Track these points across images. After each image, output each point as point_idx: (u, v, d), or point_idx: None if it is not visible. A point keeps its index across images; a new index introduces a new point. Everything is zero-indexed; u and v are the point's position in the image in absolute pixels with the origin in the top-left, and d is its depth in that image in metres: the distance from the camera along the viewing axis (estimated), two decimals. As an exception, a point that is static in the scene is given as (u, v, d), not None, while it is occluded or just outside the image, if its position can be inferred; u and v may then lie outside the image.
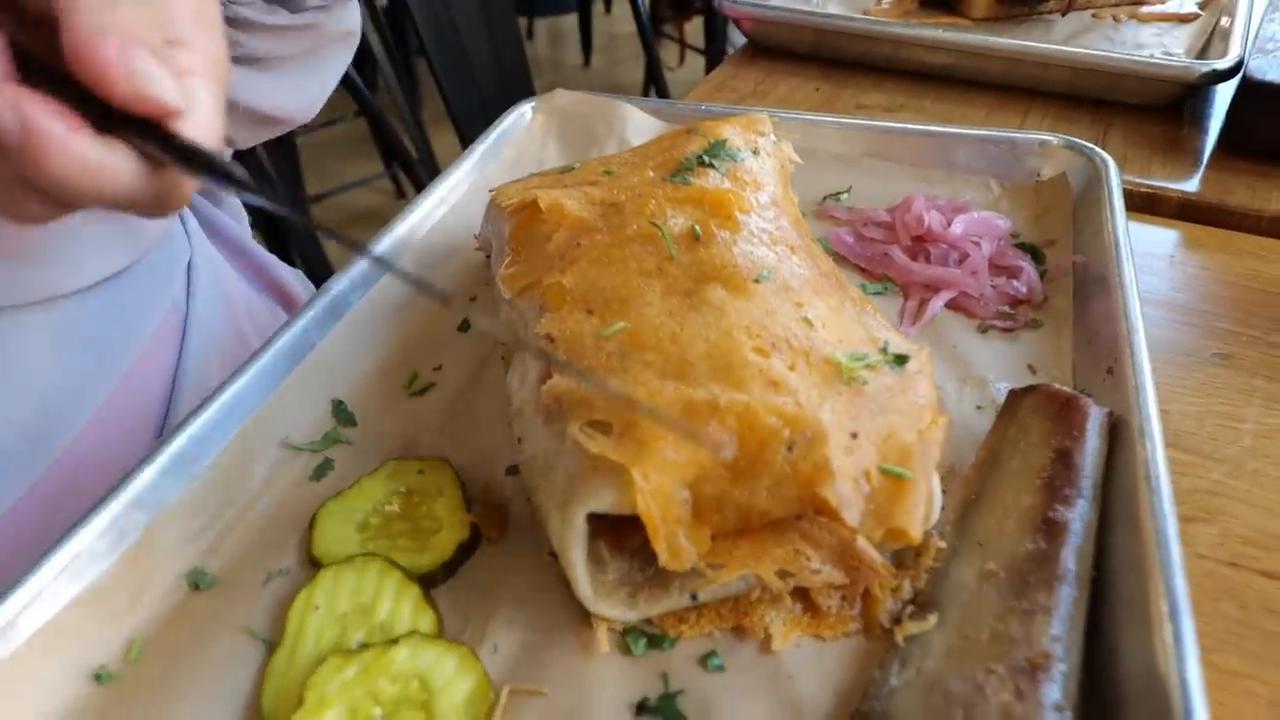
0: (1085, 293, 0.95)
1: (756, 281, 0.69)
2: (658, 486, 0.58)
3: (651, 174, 0.84)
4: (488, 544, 0.74)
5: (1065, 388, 0.76)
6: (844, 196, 1.18)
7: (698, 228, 0.73)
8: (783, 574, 0.63)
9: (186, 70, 0.41)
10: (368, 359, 0.94)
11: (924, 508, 0.62)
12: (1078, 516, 0.68)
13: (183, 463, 0.77)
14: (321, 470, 0.82)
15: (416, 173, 2.41)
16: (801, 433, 0.60)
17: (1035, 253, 1.03)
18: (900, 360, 0.69)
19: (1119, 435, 0.74)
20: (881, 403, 0.65)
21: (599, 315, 0.68)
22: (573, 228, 0.77)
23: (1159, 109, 1.36)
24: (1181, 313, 1.00)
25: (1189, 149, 1.28)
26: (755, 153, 0.91)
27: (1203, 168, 1.24)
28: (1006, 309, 0.96)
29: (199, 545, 0.75)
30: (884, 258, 1.05)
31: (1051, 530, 0.67)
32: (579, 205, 0.79)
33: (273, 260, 1.25)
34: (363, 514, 0.75)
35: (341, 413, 0.88)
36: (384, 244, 1.04)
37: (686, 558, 0.59)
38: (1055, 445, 0.73)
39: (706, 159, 0.86)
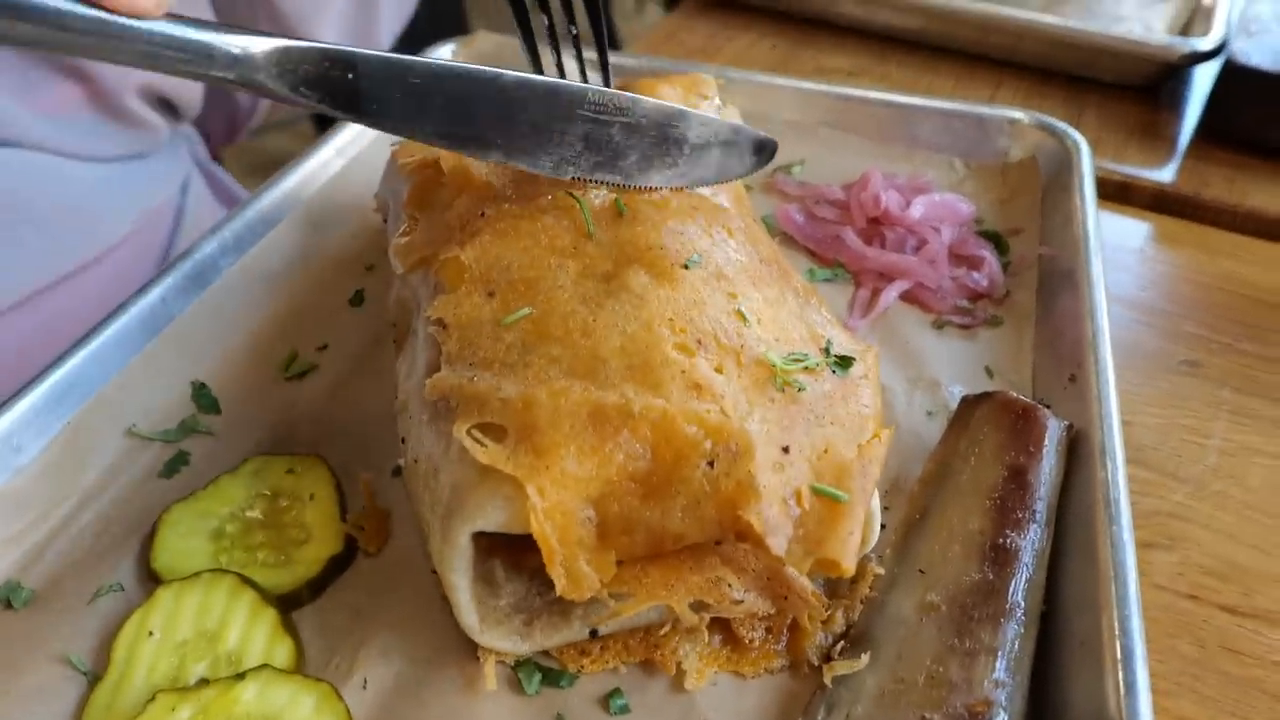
0: (1050, 287, 0.93)
1: (685, 267, 0.64)
2: (556, 504, 0.54)
3: None
4: (364, 558, 0.69)
5: (1023, 397, 0.74)
6: (796, 170, 1.13)
7: (621, 202, 0.68)
8: (699, 605, 0.59)
9: None
10: (238, 335, 0.87)
11: (859, 534, 0.58)
12: (1029, 544, 0.66)
13: (3, 451, 0.70)
14: (174, 465, 0.75)
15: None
16: (725, 445, 0.56)
17: (999, 242, 1.01)
18: (843, 363, 0.65)
19: (1078, 451, 0.72)
20: (819, 412, 0.61)
21: (501, 299, 0.63)
22: (477, 194, 0.71)
23: (1136, 89, 1.35)
24: (1149, 314, 0.99)
25: (1166, 134, 1.27)
26: None
27: (1179, 156, 1.23)
28: (965, 303, 0.93)
29: (16, 553, 0.67)
30: (836, 240, 1.01)
31: (1000, 558, 0.65)
32: (487, 169, 0.73)
33: None
34: (218, 520, 0.69)
35: (203, 397, 0.81)
36: (269, 198, 0.96)
37: (587, 586, 0.55)
38: (1009, 462, 0.70)
39: None
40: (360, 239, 1.00)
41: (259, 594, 0.62)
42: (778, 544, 0.55)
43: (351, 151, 1.07)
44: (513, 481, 0.54)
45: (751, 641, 0.63)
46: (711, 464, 0.55)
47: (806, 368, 0.63)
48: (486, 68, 0.61)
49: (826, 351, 0.66)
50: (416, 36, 1.32)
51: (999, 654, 0.60)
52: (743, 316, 0.63)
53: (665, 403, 0.56)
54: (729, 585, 0.59)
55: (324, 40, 0.58)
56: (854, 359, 0.66)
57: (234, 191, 1.26)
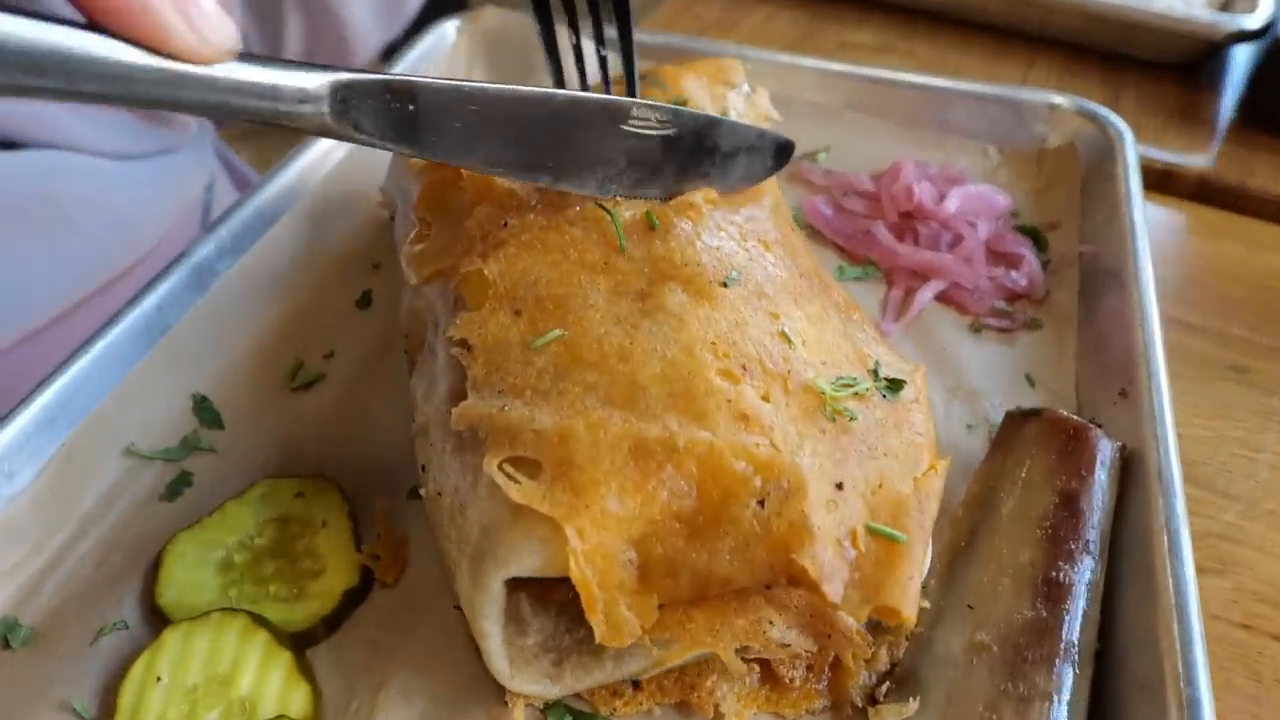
0: (1093, 288, 0.90)
1: (724, 285, 0.61)
2: (596, 546, 0.51)
3: None
4: (381, 588, 0.66)
5: (1071, 415, 0.71)
6: (822, 157, 1.09)
7: (653, 215, 0.64)
8: (742, 649, 0.56)
9: None
10: (240, 343, 0.83)
11: (919, 579, 0.56)
12: (1083, 577, 0.63)
13: (-6, 477, 0.67)
14: (176, 487, 0.72)
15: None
16: (776, 482, 0.53)
17: (1037, 237, 0.97)
18: (894, 386, 0.63)
19: (1132, 474, 0.69)
20: (871, 443, 0.58)
21: (529, 318, 0.60)
22: (499, 201, 0.67)
23: (1175, 67, 1.31)
24: (1194, 314, 0.96)
25: (1207, 118, 1.23)
26: (725, 114, 0.81)
27: (1221, 141, 1.19)
28: (1003, 304, 0.90)
29: (11, 587, 0.64)
30: (866, 236, 0.98)
31: (1053, 594, 0.62)
32: None
33: None
34: (225, 549, 0.66)
35: (205, 412, 0.78)
36: (268, 193, 0.92)
37: (628, 633, 0.52)
38: (1060, 487, 0.67)
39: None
40: (365, 234, 0.97)
41: (272, 634, 0.60)
42: (834, 590, 0.53)
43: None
44: (549, 522, 0.51)
45: (792, 681, 0.61)
46: (762, 503, 0.52)
47: (856, 393, 0.60)
48: (538, 89, 0.59)
49: (875, 374, 0.63)
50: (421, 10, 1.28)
51: (1055, 699, 0.57)
52: (787, 338, 0.60)
53: (711, 435, 0.53)
54: (773, 625, 0.57)
55: (354, 16, 0.55)
56: (904, 381, 0.63)
57: (253, 182, 1.24)
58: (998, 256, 0.95)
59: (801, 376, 0.58)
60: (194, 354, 0.80)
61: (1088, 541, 0.65)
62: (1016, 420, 0.74)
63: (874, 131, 1.11)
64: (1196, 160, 1.17)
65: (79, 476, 0.70)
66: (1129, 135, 1.01)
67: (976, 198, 0.99)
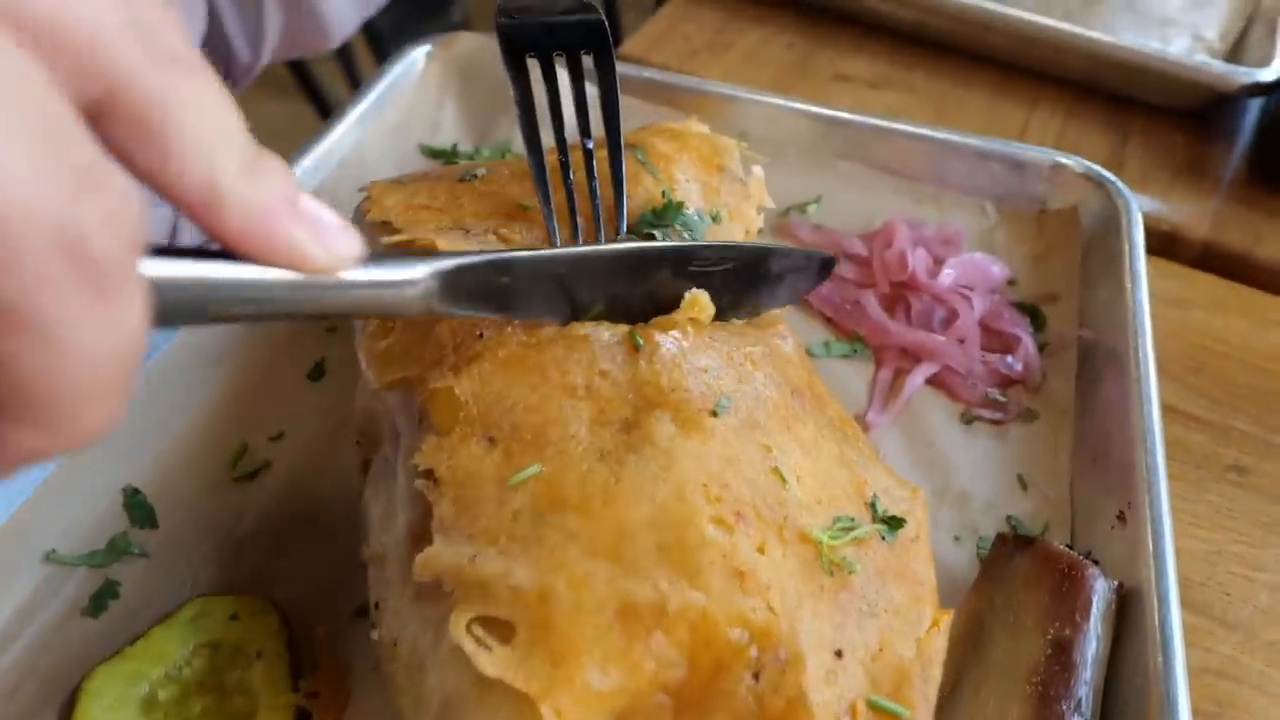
0: (1091, 374, 0.86)
1: (713, 414, 0.57)
2: None
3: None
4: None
5: (1065, 549, 0.67)
6: (811, 209, 1.04)
7: (637, 335, 0.60)
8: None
9: None
10: (177, 424, 0.78)
11: None
12: None
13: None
14: (101, 600, 0.67)
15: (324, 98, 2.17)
16: (772, 653, 0.49)
17: (1035, 315, 0.93)
18: (894, 525, 0.59)
19: (1128, 615, 0.66)
20: (871, 598, 0.55)
21: (504, 448, 0.55)
22: None
23: (1184, 115, 1.26)
24: (1196, 404, 0.92)
25: (1216, 174, 1.19)
26: (716, 219, 0.76)
27: (1225, 201, 1.15)
28: (996, 393, 0.86)
29: (-92, 728, 0.60)
30: (856, 308, 0.93)
31: None
32: None
33: None
34: (149, 684, 0.61)
35: (137, 508, 0.72)
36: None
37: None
38: (1053, 636, 0.64)
39: (660, 234, 0.71)
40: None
41: (198, 798, 0.56)
42: None
43: (310, 185, 0.96)
44: (521, 697, 0.47)
45: None
46: (757, 676, 0.49)
47: (855, 538, 0.56)
48: (614, 246, 0.62)
49: (874, 508, 0.60)
50: (398, 23, 1.23)
51: None
52: (781, 476, 0.56)
53: (705, 597, 0.49)
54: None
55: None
56: (904, 520, 0.59)
57: None
58: (992, 336, 0.91)
59: (797, 522, 0.54)
60: (125, 440, 0.75)
61: (1079, 700, 0.61)
62: (1008, 548, 0.70)
63: (867, 183, 1.06)
64: (1202, 222, 1.13)
65: (-11, 589, 0.65)
66: (1135, 206, 0.96)
67: (972, 267, 0.95)
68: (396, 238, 0.70)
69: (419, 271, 0.51)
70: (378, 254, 0.49)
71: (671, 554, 0.50)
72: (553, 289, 0.59)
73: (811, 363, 0.72)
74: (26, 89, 0.28)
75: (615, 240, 0.72)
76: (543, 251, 0.60)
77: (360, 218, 0.81)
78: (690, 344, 0.61)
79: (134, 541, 0.70)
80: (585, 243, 0.70)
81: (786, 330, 0.71)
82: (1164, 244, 1.09)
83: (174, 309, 0.40)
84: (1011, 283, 0.97)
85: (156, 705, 0.61)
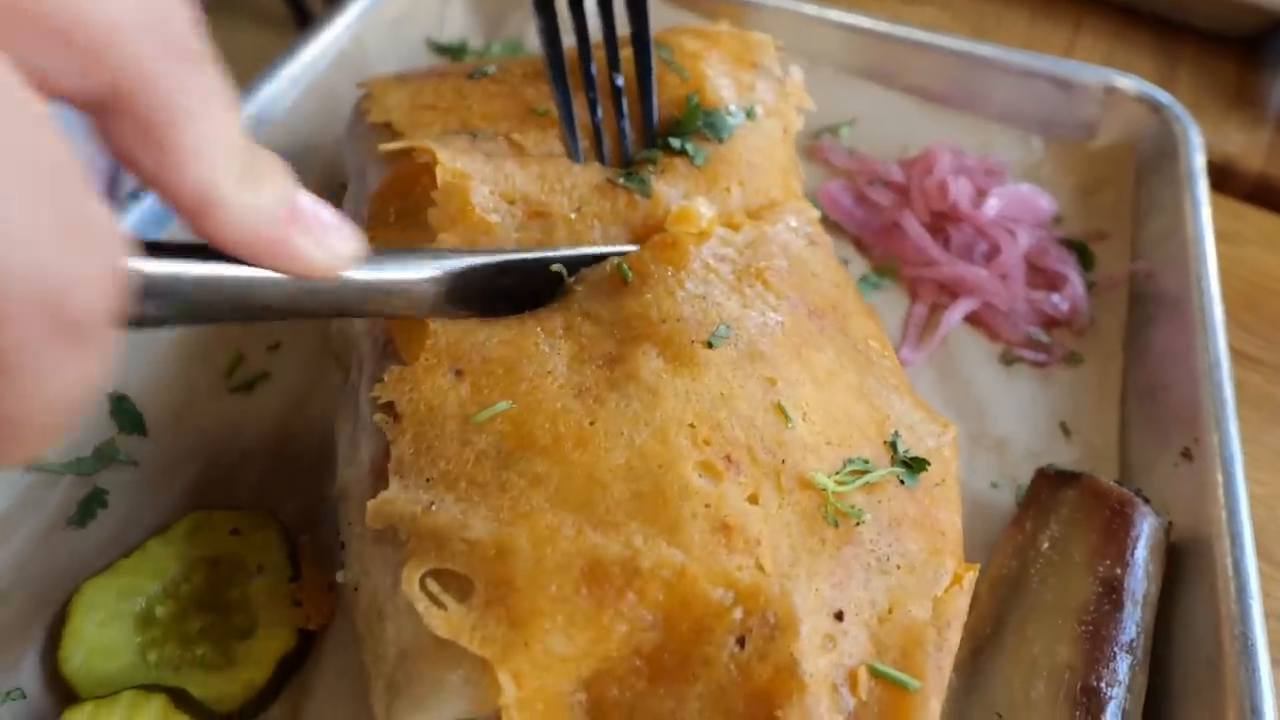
0: (1146, 316, 0.81)
1: (708, 345, 0.52)
2: (537, 691, 0.43)
3: (599, 171, 0.64)
4: (332, 646, 0.59)
5: (1114, 484, 0.63)
6: (845, 132, 0.99)
7: (626, 267, 0.55)
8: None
9: None
10: (168, 330, 0.73)
11: None
12: (1125, 684, 0.56)
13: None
14: (88, 508, 0.63)
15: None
16: (761, 616, 0.45)
17: (1084, 253, 0.88)
18: (915, 467, 0.54)
19: (1196, 562, 0.61)
20: (882, 552, 0.49)
21: (473, 383, 0.50)
22: (473, 229, 0.58)
23: (1237, 41, 1.20)
24: (1252, 343, 0.86)
25: (1270, 103, 1.13)
26: (750, 114, 0.71)
27: (1275, 131, 1.10)
28: (1040, 333, 0.82)
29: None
30: (892, 230, 0.88)
31: (1093, 706, 0.55)
32: (490, 198, 0.59)
33: None
34: (145, 600, 0.58)
35: (125, 414, 0.68)
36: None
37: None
38: (1103, 574, 0.60)
39: (678, 142, 0.66)
40: (322, 187, 0.85)
41: (195, 718, 0.53)
42: None
43: (308, 78, 0.90)
44: (480, 663, 0.43)
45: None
46: (741, 641, 0.44)
47: (867, 484, 0.51)
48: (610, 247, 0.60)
49: (894, 448, 0.55)
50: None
51: None
52: (784, 413, 0.51)
53: (684, 554, 0.45)
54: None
55: None
56: (928, 462, 0.55)
57: None
58: (1037, 274, 0.86)
59: (799, 467, 0.49)
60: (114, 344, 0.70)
61: (1131, 641, 0.57)
62: (1051, 482, 0.66)
63: (905, 107, 1.00)
64: (1256, 154, 1.07)
65: (-31, 497, 0.62)
66: (1195, 132, 0.89)
67: (1018, 200, 0.90)
68: (396, 144, 0.65)
69: (425, 273, 0.50)
70: (384, 253, 0.48)
71: (648, 505, 0.45)
72: (544, 291, 0.57)
73: (845, 273, 0.66)
74: (25, 126, 0.28)
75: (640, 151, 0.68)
76: (545, 252, 0.57)
77: (360, 118, 0.75)
78: (689, 268, 0.56)
79: (122, 449, 0.66)
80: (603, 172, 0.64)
81: (819, 233, 0.66)
82: (1216, 177, 1.02)
83: (172, 309, 0.39)
84: (1058, 219, 0.92)
85: (154, 622, 0.58)
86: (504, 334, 0.52)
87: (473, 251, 0.53)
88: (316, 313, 0.45)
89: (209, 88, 0.35)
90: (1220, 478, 0.63)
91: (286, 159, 0.85)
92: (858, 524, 0.49)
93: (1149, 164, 0.92)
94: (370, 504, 0.47)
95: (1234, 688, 0.54)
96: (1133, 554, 0.61)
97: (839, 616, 0.47)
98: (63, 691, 0.55)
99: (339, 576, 0.55)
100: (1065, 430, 0.75)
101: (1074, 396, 0.78)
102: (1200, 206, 0.83)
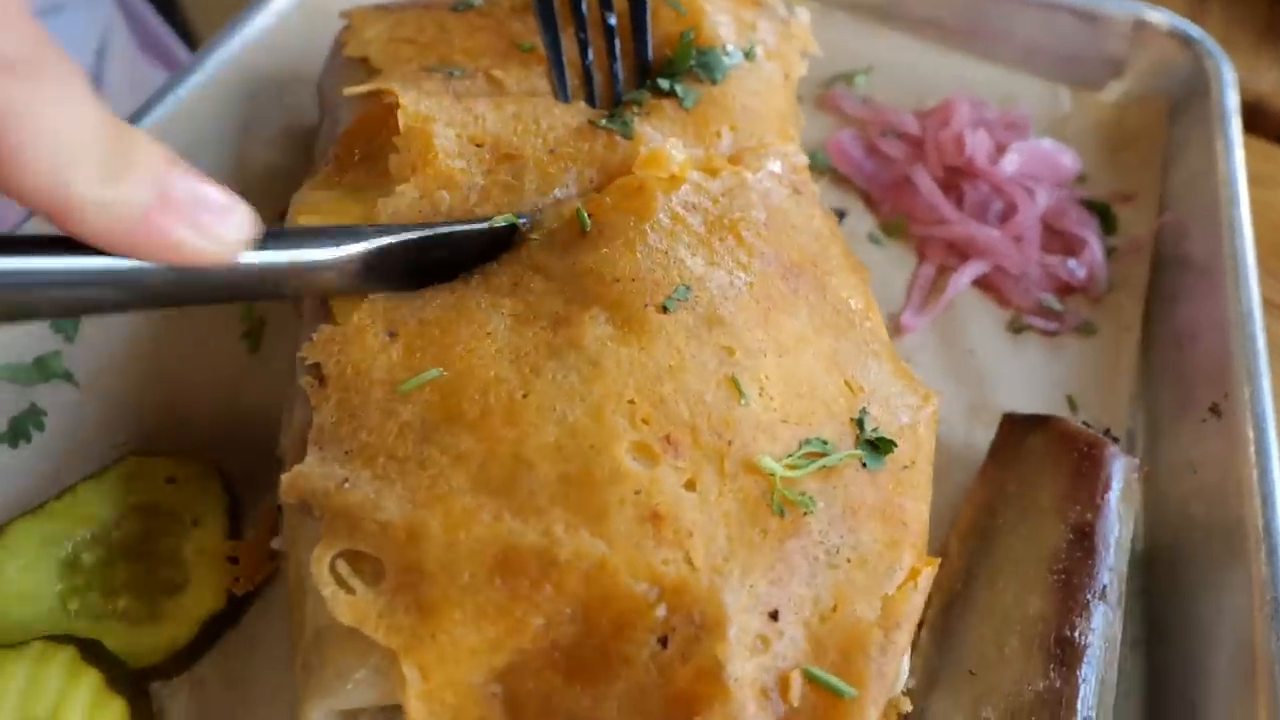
0: (1171, 281, 0.74)
1: (664, 310, 0.47)
2: (446, 683, 0.39)
3: (581, 112, 0.59)
4: (261, 608, 0.56)
5: (1084, 427, 0.59)
6: (860, 80, 0.92)
7: (585, 213, 0.50)
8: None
9: None
10: None
11: None
12: (1100, 633, 0.52)
13: None
14: (21, 426, 0.60)
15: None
16: (685, 614, 0.40)
17: (1106, 215, 0.81)
18: (881, 449, 0.49)
19: (1229, 541, 0.56)
20: (831, 544, 0.45)
21: (406, 345, 0.46)
22: (435, 178, 0.54)
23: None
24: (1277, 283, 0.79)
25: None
26: (749, 55, 0.65)
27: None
28: (1053, 300, 0.76)
29: None
30: (903, 185, 0.82)
31: (1068, 656, 0.51)
32: (455, 141, 0.54)
33: None
34: (73, 545, 0.56)
35: (69, 325, 0.64)
36: (198, 79, 0.77)
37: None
38: (1073, 520, 0.55)
39: (667, 83, 0.60)
40: (298, 127, 0.82)
41: (106, 674, 0.50)
42: None
43: (296, 8, 0.86)
44: (386, 653, 0.40)
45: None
46: (664, 641, 0.40)
47: (826, 466, 0.46)
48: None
49: (860, 425, 0.49)
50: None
51: None
52: (737, 387, 0.46)
53: (606, 545, 0.41)
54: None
55: None
56: (894, 443, 0.49)
57: (166, 46, 1.05)
58: (1055, 237, 0.79)
59: (747, 449, 0.44)
60: None
61: (1104, 587, 0.53)
62: (1017, 427, 0.61)
63: (924, 56, 0.93)
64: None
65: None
66: (1229, 69, 0.82)
67: (1039, 157, 0.83)
68: (369, 85, 0.60)
69: (333, 253, 0.46)
70: (296, 230, 0.46)
71: (575, 489, 0.41)
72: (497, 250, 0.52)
73: (835, 225, 0.61)
74: None
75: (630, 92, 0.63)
76: (479, 224, 0.52)
77: (338, 50, 0.71)
78: (655, 220, 0.50)
79: (62, 365, 0.63)
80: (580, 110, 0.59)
81: (804, 181, 0.59)
82: (1246, 117, 0.94)
83: (17, 303, 0.36)
84: (1081, 178, 0.85)
85: (79, 569, 0.55)
86: (445, 294, 0.48)
87: (396, 228, 0.49)
88: (206, 299, 0.42)
89: (54, 89, 0.33)
90: (1251, 434, 0.58)
91: (277, 90, 0.82)
92: (806, 513, 0.45)
93: (1179, 104, 0.85)
94: (284, 477, 0.44)
95: (1265, 658, 0.50)
96: (1104, 497, 0.57)
97: (774, 615, 0.42)
98: (-18, 637, 0.52)
99: (274, 543, 0.52)
100: (1072, 404, 0.70)
101: (1084, 368, 0.72)
102: (1234, 148, 0.77)
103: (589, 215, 0.50)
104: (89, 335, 0.65)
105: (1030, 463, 0.59)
